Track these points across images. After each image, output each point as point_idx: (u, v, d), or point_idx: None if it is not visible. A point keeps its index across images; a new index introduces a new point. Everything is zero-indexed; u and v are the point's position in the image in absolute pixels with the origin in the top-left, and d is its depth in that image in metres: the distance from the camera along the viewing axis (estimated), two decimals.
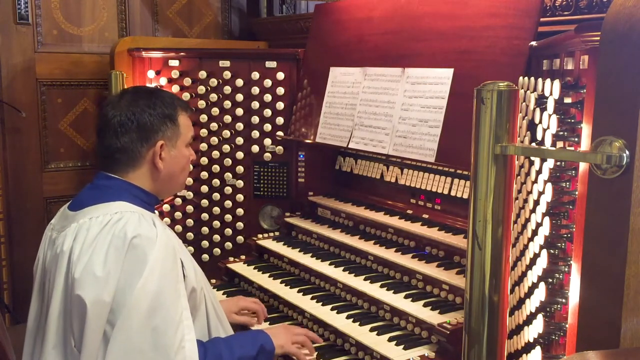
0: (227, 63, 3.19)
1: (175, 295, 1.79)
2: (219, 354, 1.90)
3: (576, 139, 1.38)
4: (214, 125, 3.18)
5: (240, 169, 3.21)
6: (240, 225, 3.25)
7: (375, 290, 2.34)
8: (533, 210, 1.57)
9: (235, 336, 2.10)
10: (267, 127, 3.14)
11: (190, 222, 3.27)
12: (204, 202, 3.24)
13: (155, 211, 2.03)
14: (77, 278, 1.73)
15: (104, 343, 1.72)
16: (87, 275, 1.72)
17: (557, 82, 1.46)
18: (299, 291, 2.54)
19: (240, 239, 3.25)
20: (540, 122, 1.54)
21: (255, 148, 3.18)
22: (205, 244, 3.27)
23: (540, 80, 1.61)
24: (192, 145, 3.20)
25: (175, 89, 3.19)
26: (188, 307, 1.83)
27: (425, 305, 2.19)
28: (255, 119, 3.16)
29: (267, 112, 3.13)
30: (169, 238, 1.84)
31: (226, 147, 3.20)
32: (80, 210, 1.87)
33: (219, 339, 2.01)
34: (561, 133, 1.43)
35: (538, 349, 1.47)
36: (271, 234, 3.05)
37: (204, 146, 3.21)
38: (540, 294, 1.45)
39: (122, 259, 1.73)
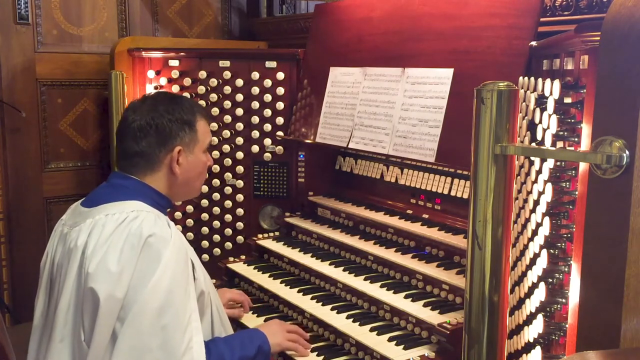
0: (227, 63, 3.19)
1: (185, 296, 1.80)
2: (221, 354, 1.92)
3: (576, 139, 1.38)
4: (213, 125, 3.18)
5: (240, 169, 3.21)
6: (240, 225, 3.25)
7: (375, 290, 2.34)
8: (533, 210, 1.57)
9: (234, 336, 2.12)
10: (267, 127, 3.14)
11: (190, 222, 3.27)
12: (204, 202, 3.24)
13: (167, 215, 2.04)
14: (91, 272, 1.74)
15: (112, 339, 1.74)
16: (102, 270, 1.74)
17: (557, 82, 1.46)
18: (299, 291, 2.54)
19: (240, 239, 3.25)
20: (540, 122, 1.54)
21: (255, 148, 3.18)
22: (205, 244, 3.27)
23: (540, 80, 1.61)
24: None
25: (175, 89, 3.19)
26: (197, 309, 1.85)
27: (425, 305, 2.19)
28: (255, 119, 3.15)
29: (267, 112, 3.13)
30: (181, 240, 1.87)
31: (226, 147, 3.20)
32: (95, 207, 1.88)
33: (219, 339, 2.02)
34: (561, 133, 1.43)
35: (538, 349, 1.47)
36: (271, 234, 3.05)
37: None
38: (540, 294, 1.45)
39: (137, 257, 1.75)
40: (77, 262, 1.79)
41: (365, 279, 2.43)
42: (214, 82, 3.19)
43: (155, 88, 3.21)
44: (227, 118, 3.17)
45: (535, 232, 1.54)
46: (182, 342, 1.76)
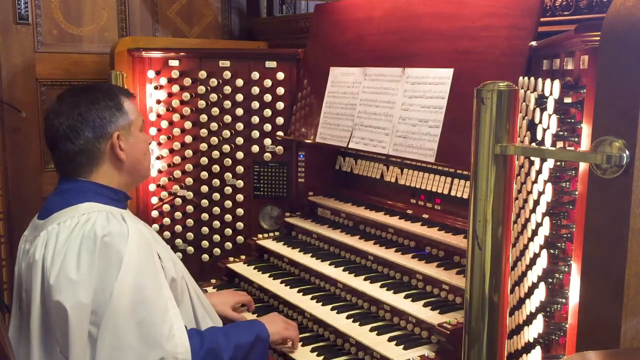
0: (227, 63, 3.19)
1: (156, 287, 1.79)
2: (215, 340, 1.91)
3: (576, 139, 1.38)
4: (214, 125, 3.18)
5: (240, 169, 3.20)
6: (240, 225, 3.25)
7: (375, 290, 2.34)
8: (533, 210, 1.57)
9: (231, 325, 2.13)
10: (267, 127, 3.14)
11: (190, 222, 3.27)
12: (204, 202, 3.24)
13: (127, 208, 2.02)
14: (53, 284, 1.73)
15: (90, 344, 1.73)
16: (62, 280, 1.73)
17: (557, 82, 1.46)
18: (299, 291, 2.54)
19: (240, 239, 3.25)
20: (540, 122, 1.54)
21: (255, 148, 3.18)
22: (205, 244, 3.27)
23: (540, 80, 1.61)
24: (192, 144, 3.25)
25: (175, 89, 3.19)
26: (172, 296, 1.84)
27: (425, 305, 2.19)
28: (255, 119, 3.15)
29: (267, 112, 3.13)
30: (141, 232, 1.84)
31: (226, 147, 3.20)
32: (47, 217, 1.87)
33: (215, 328, 2.02)
34: (561, 133, 1.43)
35: (538, 349, 1.47)
36: (271, 234, 3.05)
37: (204, 146, 3.21)
38: (540, 294, 1.45)
39: (96, 259, 1.74)
40: (39, 277, 1.78)
41: (365, 279, 2.42)
42: (214, 82, 3.19)
43: (155, 88, 3.21)
44: (227, 118, 3.17)
45: (535, 232, 1.54)
46: (162, 331, 1.75)
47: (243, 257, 2.97)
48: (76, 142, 1.90)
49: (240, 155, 3.20)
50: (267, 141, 3.16)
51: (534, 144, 1.60)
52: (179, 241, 3.27)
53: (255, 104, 3.15)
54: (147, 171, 2.13)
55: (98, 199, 1.88)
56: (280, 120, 3.13)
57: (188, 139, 3.21)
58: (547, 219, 1.44)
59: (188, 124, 3.21)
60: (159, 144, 3.22)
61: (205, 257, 3.27)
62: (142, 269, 1.77)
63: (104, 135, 1.92)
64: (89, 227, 1.77)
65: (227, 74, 3.17)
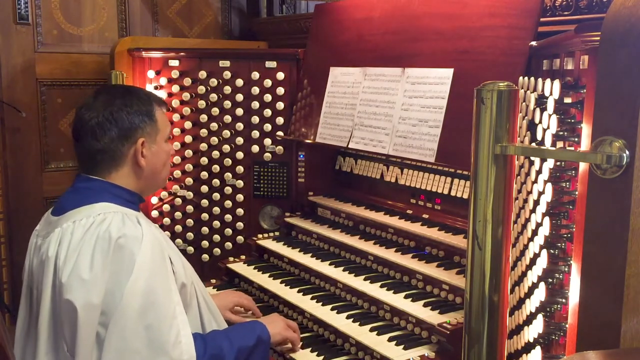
0: (227, 63, 3.19)
1: (166, 291, 1.79)
2: (218, 345, 1.91)
3: (576, 139, 1.38)
4: (214, 125, 3.18)
5: (240, 169, 3.20)
6: (240, 225, 3.25)
7: (375, 290, 2.34)
8: (533, 210, 1.57)
9: (233, 328, 2.12)
10: (267, 127, 3.14)
11: (190, 222, 3.27)
12: (204, 202, 3.24)
13: (140, 211, 2.01)
14: (65, 283, 1.73)
15: (97, 345, 1.73)
16: (75, 279, 1.72)
17: (557, 82, 1.46)
18: (299, 291, 2.54)
19: (240, 239, 3.25)
20: (540, 122, 1.54)
21: (255, 148, 3.18)
22: (205, 244, 3.27)
23: (540, 80, 1.61)
24: (192, 144, 3.25)
25: (175, 89, 3.19)
26: (181, 302, 1.84)
27: (425, 305, 2.19)
28: (255, 119, 3.15)
29: (267, 112, 3.13)
30: (154, 235, 1.84)
31: (226, 147, 3.20)
32: (62, 214, 1.86)
33: (217, 332, 2.02)
34: (561, 133, 1.43)
35: (538, 349, 1.47)
36: (271, 234, 3.05)
37: (204, 146, 3.21)
38: (540, 294, 1.45)
39: (109, 261, 1.73)
40: (51, 274, 1.78)
41: (365, 279, 2.42)
42: (214, 82, 3.19)
43: (155, 88, 3.21)
44: (227, 118, 3.17)
45: (535, 232, 1.54)
46: (169, 337, 1.75)
47: (243, 257, 2.97)
48: (101, 140, 1.90)
49: (240, 155, 3.20)
50: (267, 141, 3.16)
51: (534, 144, 1.60)
52: (179, 241, 3.27)
53: (255, 104, 3.15)
54: (163, 182, 2.13)
55: (114, 200, 1.88)
56: (280, 120, 3.13)
57: (188, 139, 3.21)
58: (547, 219, 1.44)
59: (188, 124, 3.21)
60: None
61: (205, 257, 3.27)
62: (154, 273, 1.77)
63: (129, 138, 1.91)
64: (104, 228, 1.76)
65: (227, 74, 3.17)
